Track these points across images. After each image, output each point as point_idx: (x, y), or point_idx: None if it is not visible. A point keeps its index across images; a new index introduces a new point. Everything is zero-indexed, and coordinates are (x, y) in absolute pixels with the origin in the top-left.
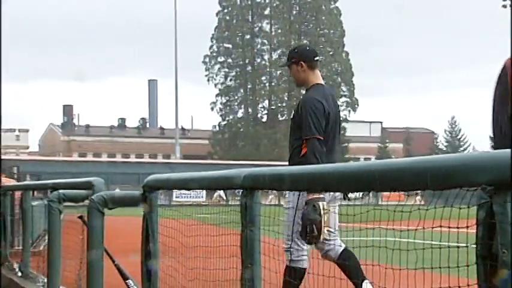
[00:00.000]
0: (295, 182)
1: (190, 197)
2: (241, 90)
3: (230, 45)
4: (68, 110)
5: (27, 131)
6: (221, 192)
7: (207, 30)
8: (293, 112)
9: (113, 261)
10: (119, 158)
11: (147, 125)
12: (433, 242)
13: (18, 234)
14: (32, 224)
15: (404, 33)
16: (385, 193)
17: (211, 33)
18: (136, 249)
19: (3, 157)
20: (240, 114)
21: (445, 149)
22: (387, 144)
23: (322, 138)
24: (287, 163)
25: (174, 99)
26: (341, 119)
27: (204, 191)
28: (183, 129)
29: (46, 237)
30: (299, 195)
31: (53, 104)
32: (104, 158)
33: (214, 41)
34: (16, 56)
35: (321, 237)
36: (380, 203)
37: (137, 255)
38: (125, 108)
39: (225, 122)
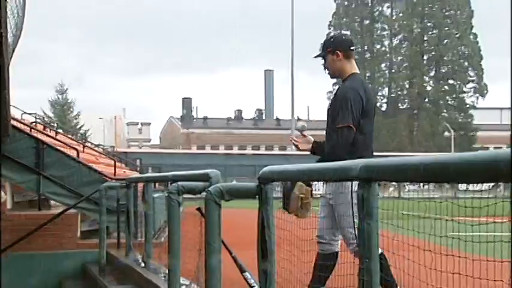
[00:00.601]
0: (420, 172)
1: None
2: None
3: (348, 32)
4: (187, 102)
5: (149, 124)
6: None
7: (324, 17)
8: (329, 103)
9: (230, 253)
10: (235, 150)
11: (263, 116)
12: None
13: (141, 225)
14: (154, 215)
15: None
16: None
17: (328, 20)
18: (253, 241)
19: (128, 150)
20: None
21: None
22: None
23: (354, 127)
24: (408, 155)
25: (290, 90)
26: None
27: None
28: (299, 119)
29: (166, 228)
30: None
31: (173, 97)
32: (221, 150)
33: (332, 28)
34: (138, 51)
35: (289, 209)
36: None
37: (254, 248)
38: (242, 100)
39: None
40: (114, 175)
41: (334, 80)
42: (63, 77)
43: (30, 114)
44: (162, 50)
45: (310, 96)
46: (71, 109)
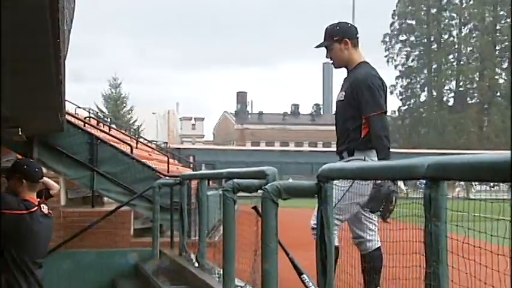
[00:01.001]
0: (494, 171)
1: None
2: (425, 71)
3: (413, 22)
4: (241, 97)
5: (202, 119)
6: (401, 184)
7: (387, 7)
8: (341, 94)
9: (287, 255)
10: (291, 147)
11: (321, 112)
12: None
13: (195, 224)
14: (208, 214)
15: None
16: None
17: (392, 9)
18: (310, 242)
19: (181, 146)
20: (422, 97)
21: None
22: None
23: (386, 112)
24: (477, 152)
25: None
26: None
27: None
28: None
29: (221, 227)
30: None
31: (227, 91)
32: (277, 146)
33: (396, 18)
34: (193, 43)
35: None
36: None
37: (311, 249)
38: (299, 94)
39: (405, 107)
40: (168, 172)
41: (398, 73)
42: (117, 70)
43: (84, 108)
44: (218, 42)
45: None
46: (124, 104)
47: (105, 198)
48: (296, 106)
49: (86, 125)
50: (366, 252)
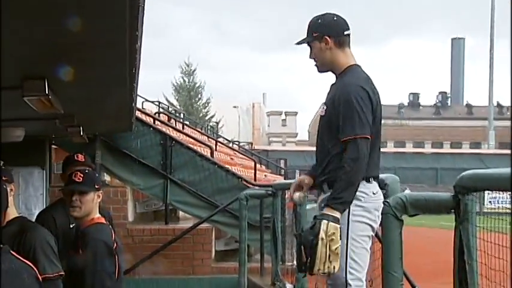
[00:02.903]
0: None
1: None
2: None
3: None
4: None
5: (295, 114)
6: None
7: None
8: (323, 106)
9: (413, 287)
10: (409, 148)
11: (449, 102)
12: None
13: (291, 246)
14: None
15: None
16: None
17: None
18: (437, 271)
19: (269, 148)
20: None
21: None
22: None
23: (370, 138)
24: None
25: (488, 65)
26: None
27: None
28: (499, 106)
29: None
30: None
31: (324, 78)
32: (390, 147)
33: None
34: (281, 18)
35: (315, 268)
36: None
37: (440, 280)
38: (419, 80)
39: None
40: (255, 180)
41: None
42: (191, 54)
43: (152, 102)
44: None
45: None
46: (200, 95)
47: (181, 213)
48: (415, 96)
49: (156, 121)
50: None
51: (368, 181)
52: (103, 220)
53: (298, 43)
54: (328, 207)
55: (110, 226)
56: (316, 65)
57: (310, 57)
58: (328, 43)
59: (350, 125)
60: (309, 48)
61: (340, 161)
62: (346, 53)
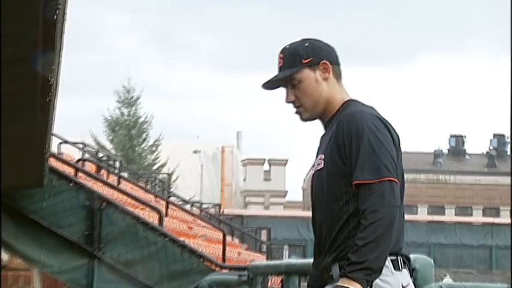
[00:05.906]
0: None
1: None
2: None
3: None
4: None
5: (284, 163)
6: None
7: None
8: (319, 160)
9: None
10: (450, 216)
11: (507, 149)
12: None
13: None
14: None
15: None
16: None
17: None
18: None
19: (245, 212)
20: None
21: None
22: None
23: (398, 181)
24: None
25: None
26: None
27: None
28: None
29: None
30: None
31: None
32: (422, 214)
33: None
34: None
35: None
36: None
37: None
38: (463, 118)
39: None
40: (223, 260)
41: None
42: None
43: (74, 144)
44: (311, 24)
45: None
46: (144, 134)
47: None
48: (459, 139)
49: (79, 173)
50: None
51: (397, 266)
52: None
53: (269, 83)
54: (344, 277)
55: None
56: (299, 110)
57: (288, 100)
58: (328, 70)
59: (369, 164)
60: (284, 89)
61: (356, 228)
62: (343, 88)
